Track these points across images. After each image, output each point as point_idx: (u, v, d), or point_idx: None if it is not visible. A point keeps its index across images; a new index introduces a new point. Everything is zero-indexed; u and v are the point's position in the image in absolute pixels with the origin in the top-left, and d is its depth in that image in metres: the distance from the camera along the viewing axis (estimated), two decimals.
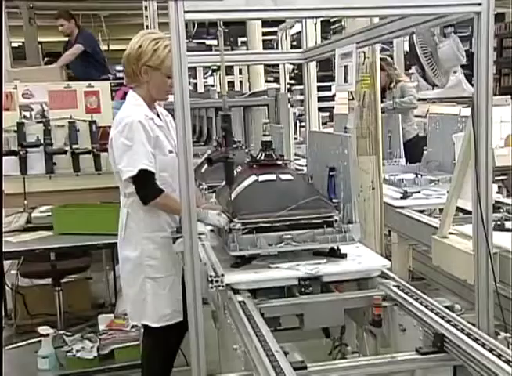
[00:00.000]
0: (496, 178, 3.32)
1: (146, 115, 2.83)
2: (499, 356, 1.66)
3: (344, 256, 2.48)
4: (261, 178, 2.61)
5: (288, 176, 2.65)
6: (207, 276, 2.15)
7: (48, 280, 4.37)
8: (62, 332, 4.11)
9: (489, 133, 2.05)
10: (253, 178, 2.63)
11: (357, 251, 2.55)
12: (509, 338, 1.92)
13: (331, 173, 2.65)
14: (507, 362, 1.62)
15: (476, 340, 1.77)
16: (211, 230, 2.77)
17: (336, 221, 2.45)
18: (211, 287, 2.10)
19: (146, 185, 2.78)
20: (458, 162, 2.69)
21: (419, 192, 3.80)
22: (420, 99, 5.50)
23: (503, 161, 3.55)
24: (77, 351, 3.81)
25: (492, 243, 2.08)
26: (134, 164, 2.72)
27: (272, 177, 2.62)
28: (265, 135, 2.75)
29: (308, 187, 2.67)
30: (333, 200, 2.58)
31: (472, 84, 2.12)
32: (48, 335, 3.84)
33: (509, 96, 3.85)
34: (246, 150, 3.88)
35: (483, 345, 1.74)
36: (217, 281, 2.10)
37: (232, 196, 2.55)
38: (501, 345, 1.75)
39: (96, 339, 3.89)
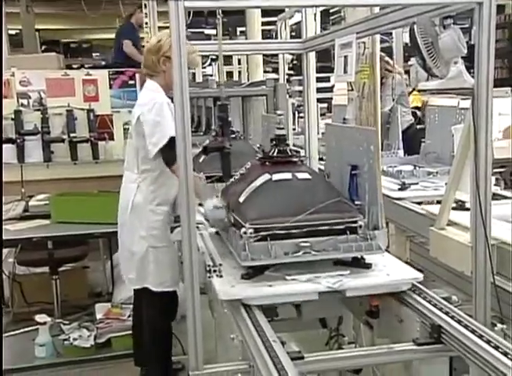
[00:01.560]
0: (494, 170, 3.32)
1: (166, 98, 3.07)
2: (496, 347, 1.66)
3: (369, 266, 2.18)
4: (275, 177, 2.31)
5: (305, 175, 2.35)
6: (204, 265, 2.14)
7: (46, 269, 4.38)
8: (59, 320, 4.14)
9: (489, 124, 2.04)
10: (266, 177, 2.33)
11: (382, 260, 2.25)
12: (505, 329, 1.92)
13: (354, 172, 2.34)
14: (505, 354, 1.62)
15: (473, 331, 1.77)
16: (216, 233, 2.67)
17: (360, 227, 2.15)
18: (209, 277, 2.09)
19: (173, 150, 2.90)
20: (457, 154, 2.67)
21: (417, 184, 3.79)
22: (420, 91, 5.49)
23: (502, 154, 3.54)
24: (74, 339, 3.82)
25: (490, 235, 2.07)
26: (165, 135, 2.92)
27: (288, 176, 2.32)
28: (278, 129, 2.49)
29: (328, 188, 2.37)
30: (356, 203, 2.30)
31: (472, 76, 2.12)
32: (45, 323, 3.87)
33: (509, 88, 3.83)
34: (245, 140, 3.85)
35: (480, 337, 1.74)
36: (214, 270, 2.10)
37: (242, 197, 2.32)
38: (498, 336, 1.76)
39: (93, 328, 3.91)
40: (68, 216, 3.99)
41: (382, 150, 4.53)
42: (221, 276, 2.10)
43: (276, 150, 2.45)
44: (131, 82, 4.46)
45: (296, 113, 6.91)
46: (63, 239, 4.06)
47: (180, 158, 1.94)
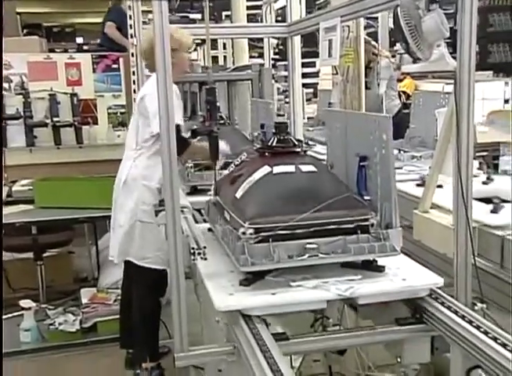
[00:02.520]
0: (477, 154, 3.35)
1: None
2: (477, 327, 1.69)
3: (381, 270, 1.96)
4: (277, 169, 2.05)
5: (310, 167, 2.08)
6: (188, 248, 2.14)
7: (30, 254, 4.35)
8: (44, 306, 4.12)
9: (471, 107, 2.05)
10: (266, 169, 2.07)
11: (396, 262, 2.01)
12: (485, 308, 1.95)
13: (362, 163, 2.08)
14: (485, 332, 1.65)
15: (456, 312, 1.80)
16: (209, 229, 2.47)
17: (372, 225, 1.92)
18: (193, 260, 2.10)
19: (177, 138, 2.94)
20: (440, 137, 2.70)
21: (401, 168, 3.82)
22: (403, 73, 5.52)
23: (485, 138, 3.57)
24: (60, 324, 3.82)
25: (471, 217, 2.10)
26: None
27: (291, 168, 2.05)
28: (279, 115, 2.35)
29: (335, 181, 2.12)
30: (365, 198, 2.06)
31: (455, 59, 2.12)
32: (30, 309, 3.85)
33: (490, 72, 3.85)
34: (233, 126, 3.83)
35: (462, 317, 1.76)
36: (199, 253, 2.10)
37: (239, 192, 2.07)
38: (479, 316, 1.79)
39: (79, 312, 3.90)
40: (52, 201, 3.99)
41: None
42: (205, 259, 2.09)
43: (276, 140, 2.20)
44: (115, 66, 4.44)
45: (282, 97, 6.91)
46: (47, 224, 4.04)
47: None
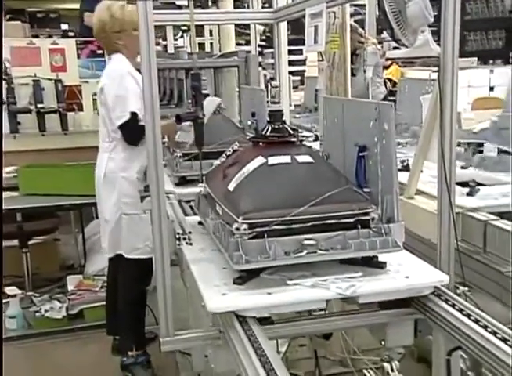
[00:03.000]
0: (462, 141, 3.38)
1: (128, 67, 3.09)
2: (460, 310, 1.70)
3: (383, 266, 1.84)
4: (272, 160, 1.92)
5: (307, 158, 1.96)
6: (174, 233, 2.14)
7: (15, 242, 4.33)
8: (30, 293, 4.11)
9: (454, 92, 2.06)
10: (260, 160, 1.94)
11: (397, 258, 1.90)
12: (467, 291, 1.97)
13: (362, 153, 1.96)
14: (468, 315, 1.67)
15: (439, 295, 1.81)
16: (199, 223, 2.34)
17: (373, 219, 1.80)
18: (179, 245, 2.10)
19: (133, 128, 2.99)
20: (425, 123, 2.71)
21: None
22: (388, 59, 5.54)
23: (470, 125, 3.59)
24: (46, 311, 3.82)
25: (454, 202, 2.12)
26: (126, 110, 2.96)
27: (286, 159, 1.93)
28: (274, 103, 2.09)
29: (334, 173, 1.99)
30: (365, 190, 1.94)
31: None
32: (15, 296, 3.86)
33: (475, 58, 3.86)
34: (222, 113, 3.77)
35: (445, 301, 1.77)
36: (184, 238, 2.10)
37: (232, 185, 1.94)
38: (462, 300, 1.80)
39: (65, 299, 3.91)
40: (37, 188, 3.97)
41: None
42: (190, 244, 2.10)
43: (271, 128, 2.04)
44: (100, 52, 4.40)
45: (269, 85, 6.90)
46: (32, 211, 4.03)
47: (148, 127, 1.93)
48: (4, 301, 3.92)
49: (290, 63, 7.09)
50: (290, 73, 7.14)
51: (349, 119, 2.09)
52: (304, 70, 7.36)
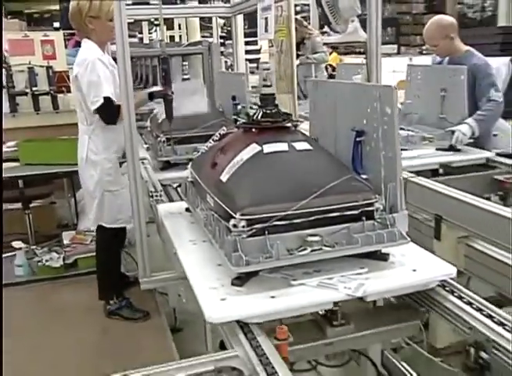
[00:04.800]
0: None
1: (102, 55, 2.88)
2: (469, 303, 1.41)
3: (386, 258, 1.48)
4: (267, 148, 1.53)
5: (305, 145, 1.57)
6: (147, 191, 2.11)
7: (19, 205, 4.27)
8: (33, 247, 4.08)
9: (379, 71, 2.07)
10: (254, 148, 1.54)
11: (398, 247, 1.49)
12: None
13: (359, 138, 1.60)
14: (451, 291, 1.46)
15: (443, 286, 1.50)
16: (187, 209, 1.93)
17: (377, 210, 1.44)
18: (151, 201, 2.08)
19: (109, 111, 2.78)
20: None
21: None
22: (324, 44, 5.54)
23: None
24: (46, 261, 3.79)
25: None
26: (100, 95, 2.75)
27: (283, 147, 1.54)
28: (265, 86, 1.65)
29: (333, 161, 1.61)
30: (362, 176, 1.58)
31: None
32: (20, 248, 3.86)
33: (395, 45, 3.88)
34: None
35: (452, 293, 1.47)
36: (156, 195, 2.08)
37: (225, 175, 1.53)
38: (468, 291, 1.48)
39: (61, 251, 3.88)
40: (35, 159, 3.94)
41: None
42: (162, 201, 2.07)
43: (262, 113, 1.63)
44: None
45: (230, 70, 6.82)
46: (32, 178, 3.97)
47: (124, 104, 1.88)
48: (11, 253, 3.88)
49: (248, 52, 7.02)
50: (248, 60, 7.04)
51: (343, 103, 1.71)
52: (259, 58, 7.30)
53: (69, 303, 3.38)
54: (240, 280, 1.38)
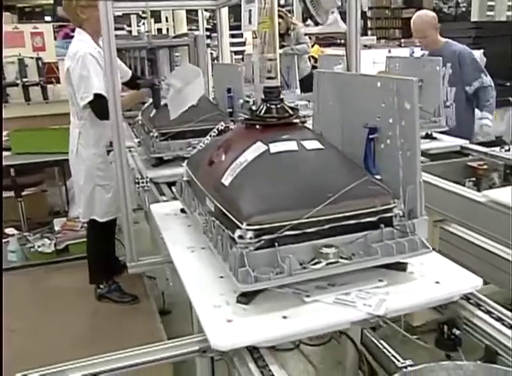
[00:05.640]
0: None
1: (95, 48, 2.75)
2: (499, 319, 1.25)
3: (404, 267, 1.27)
4: (274, 147, 1.30)
5: (315, 144, 1.34)
6: (134, 178, 2.07)
7: (11, 193, 4.20)
8: (26, 233, 4.03)
9: (358, 62, 2.04)
10: (260, 147, 1.31)
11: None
12: None
13: (372, 136, 1.37)
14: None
15: (467, 299, 1.32)
16: (182, 210, 1.68)
17: (396, 216, 1.23)
18: (138, 188, 2.04)
19: (101, 107, 2.59)
20: None
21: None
22: (305, 34, 5.50)
23: None
24: (39, 246, 3.76)
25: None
26: (90, 91, 2.64)
27: (292, 146, 1.31)
28: (270, 78, 1.42)
29: (346, 161, 1.36)
30: (376, 177, 1.35)
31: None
32: (13, 235, 3.85)
33: (374, 37, 3.87)
34: None
35: (478, 306, 1.30)
36: (142, 182, 2.04)
37: (227, 178, 1.29)
38: (494, 303, 1.32)
39: (53, 237, 3.84)
40: (26, 148, 3.89)
41: (283, 89, 4.52)
42: (148, 187, 2.03)
43: (266, 108, 1.40)
44: (73, 34, 4.19)
45: (216, 61, 6.77)
46: (23, 167, 3.90)
47: (110, 94, 1.84)
48: (5, 240, 3.83)
49: (233, 44, 6.94)
50: (234, 52, 6.98)
51: (352, 96, 1.47)
52: (244, 50, 7.24)
53: (60, 287, 3.35)
54: (247, 297, 1.15)
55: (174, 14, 6.62)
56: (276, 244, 1.13)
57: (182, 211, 1.65)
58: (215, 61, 6.62)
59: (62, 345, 2.62)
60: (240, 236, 1.12)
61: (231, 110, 2.84)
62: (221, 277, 1.24)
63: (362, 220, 1.20)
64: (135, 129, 3.12)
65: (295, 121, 1.40)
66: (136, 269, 1.95)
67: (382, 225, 1.20)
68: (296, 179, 1.24)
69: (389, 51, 6.54)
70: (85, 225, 3.51)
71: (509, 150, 2.59)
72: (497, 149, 2.63)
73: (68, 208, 4.40)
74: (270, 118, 1.38)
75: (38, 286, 3.42)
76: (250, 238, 1.11)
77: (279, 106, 1.40)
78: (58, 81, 4.11)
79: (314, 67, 6.20)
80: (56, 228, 3.89)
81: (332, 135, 1.49)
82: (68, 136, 3.01)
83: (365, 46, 4.27)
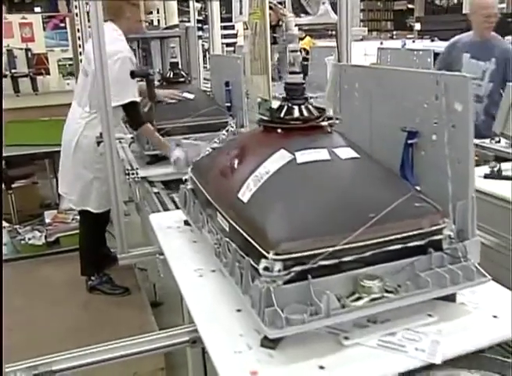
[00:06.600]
0: None
1: (129, 50, 2.64)
2: None
3: (454, 298, 1.06)
4: (302, 156, 1.07)
5: (349, 152, 1.12)
6: (124, 169, 2.06)
7: (1, 186, 4.16)
8: (17, 226, 4.00)
9: (349, 49, 2.04)
10: (284, 156, 1.08)
11: None
12: None
13: (410, 141, 1.17)
14: None
15: None
16: (186, 222, 1.43)
17: (445, 238, 1.02)
18: (128, 179, 2.02)
19: (133, 115, 2.54)
20: (329, 81, 2.67)
21: None
22: (296, 25, 5.49)
23: None
24: (29, 239, 3.75)
25: None
26: (123, 95, 2.46)
27: (323, 154, 1.09)
28: (293, 73, 1.21)
29: (385, 172, 1.14)
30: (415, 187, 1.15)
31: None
32: (4, 227, 3.80)
33: (365, 28, 3.87)
34: (192, 84, 3.01)
35: None
36: (132, 174, 2.02)
37: (246, 193, 1.06)
38: None
39: (44, 230, 3.82)
40: (16, 140, 3.85)
41: (275, 80, 4.50)
42: (138, 178, 2.01)
43: (287, 108, 1.17)
44: (62, 25, 4.18)
45: (207, 53, 6.73)
46: (14, 159, 3.88)
47: (99, 78, 1.82)
48: None
49: (225, 36, 6.90)
50: (226, 45, 6.94)
51: (385, 94, 1.27)
52: (236, 42, 7.20)
53: (51, 279, 3.33)
54: (273, 341, 0.93)
55: (165, 5, 6.55)
56: (310, 276, 0.92)
57: (186, 222, 1.42)
58: (207, 53, 6.61)
59: (53, 337, 2.61)
60: (266, 268, 0.91)
61: (229, 104, 2.74)
62: (239, 311, 1.03)
63: (409, 244, 0.99)
64: (127, 124, 2.99)
65: (323, 123, 1.16)
66: (127, 260, 1.94)
67: (431, 250, 1.00)
68: (330, 196, 1.02)
69: (381, 43, 6.56)
70: (77, 217, 3.50)
71: (499, 142, 2.61)
72: (487, 141, 2.64)
73: (59, 201, 4.37)
74: (294, 120, 1.15)
75: (29, 278, 3.40)
76: (279, 270, 0.90)
77: (302, 106, 1.16)
78: (48, 73, 4.08)
79: (305, 59, 6.19)
80: (47, 220, 3.87)
81: (357, 139, 1.21)
82: (60, 128, 2.92)
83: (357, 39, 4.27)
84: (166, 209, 1.94)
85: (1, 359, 1.05)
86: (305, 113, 1.16)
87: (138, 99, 2.51)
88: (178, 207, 1.57)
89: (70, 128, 2.84)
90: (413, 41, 5.96)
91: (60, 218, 3.85)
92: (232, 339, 0.95)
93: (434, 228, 1.01)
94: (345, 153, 1.10)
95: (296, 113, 1.16)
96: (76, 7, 3.55)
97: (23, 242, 3.74)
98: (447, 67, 3.28)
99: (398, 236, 0.98)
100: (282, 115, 1.16)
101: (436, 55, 3.48)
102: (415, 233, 0.99)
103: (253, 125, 2.29)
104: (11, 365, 1.02)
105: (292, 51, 1.21)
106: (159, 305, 3.07)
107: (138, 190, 2.22)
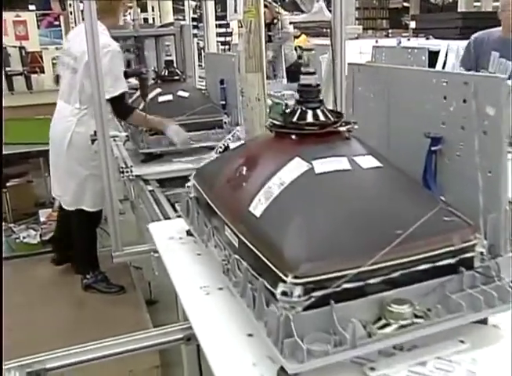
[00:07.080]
0: None
1: (117, 44, 2.65)
2: None
3: (484, 320, 0.94)
4: (320, 165, 0.96)
5: (371, 160, 1.01)
6: (118, 167, 2.06)
7: None
8: (11, 225, 4.01)
9: (343, 47, 2.05)
10: (300, 165, 0.97)
11: None
12: None
13: (434, 148, 1.08)
14: None
15: None
16: (188, 232, 1.31)
17: (478, 256, 0.92)
18: (122, 177, 2.02)
19: (122, 105, 2.55)
20: (323, 79, 2.69)
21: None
22: (291, 23, 5.50)
23: None
24: (24, 238, 3.76)
25: None
26: (115, 87, 2.47)
27: (343, 163, 0.98)
28: (306, 74, 1.08)
29: (411, 183, 1.04)
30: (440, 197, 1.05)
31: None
32: None
33: (360, 26, 3.87)
34: (187, 83, 2.98)
35: None
36: (127, 172, 2.02)
37: (258, 206, 0.95)
38: None
39: (38, 228, 3.83)
40: (11, 138, 3.85)
41: (270, 78, 4.50)
42: (133, 176, 2.02)
43: (301, 111, 1.06)
44: (56, 23, 4.17)
45: (202, 52, 6.74)
46: (8, 157, 3.86)
47: (92, 75, 1.82)
48: None
49: (221, 34, 6.91)
50: (221, 43, 6.95)
51: (405, 96, 1.17)
52: (230, 40, 7.22)
53: (46, 278, 3.32)
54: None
55: (160, 4, 6.55)
56: (332, 301, 0.81)
57: (189, 232, 1.31)
58: (202, 51, 6.61)
59: (48, 335, 2.60)
60: (285, 293, 0.80)
61: (224, 102, 2.75)
62: (250, 335, 0.93)
63: (438, 263, 0.88)
64: (122, 122, 3.00)
65: (341, 128, 1.04)
66: (121, 258, 1.95)
67: (463, 269, 0.90)
68: (352, 211, 0.91)
69: (376, 41, 6.57)
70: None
71: None
72: None
73: (53, 199, 4.37)
74: (310, 125, 1.03)
75: (24, 277, 3.39)
76: (299, 296, 0.79)
77: (317, 109, 1.05)
78: (42, 71, 4.07)
79: (300, 57, 6.19)
80: (42, 219, 3.87)
81: (373, 144, 1.10)
82: None
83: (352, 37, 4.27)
84: (160, 208, 1.93)
85: (1, 357, 1.06)
86: (321, 117, 1.05)
87: (127, 90, 2.53)
88: (173, 207, 1.58)
89: (59, 127, 2.82)
90: (408, 39, 5.96)
91: (55, 216, 3.83)
92: (245, 369, 0.86)
93: (466, 244, 0.91)
94: (366, 161, 1.00)
95: (311, 118, 1.05)
96: (70, 5, 3.53)
97: (17, 241, 3.74)
98: (474, 65, 3.13)
99: (427, 254, 0.88)
100: (295, 119, 1.06)
101: (430, 53, 3.48)
102: (445, 250, 0.90)
103: (248, 123, 2.28)
104: (4, 363, 1.02)
105: (306, 49, 1.12)
106: (154, 303, 3.07)
107: (132, 188, 2.22)
